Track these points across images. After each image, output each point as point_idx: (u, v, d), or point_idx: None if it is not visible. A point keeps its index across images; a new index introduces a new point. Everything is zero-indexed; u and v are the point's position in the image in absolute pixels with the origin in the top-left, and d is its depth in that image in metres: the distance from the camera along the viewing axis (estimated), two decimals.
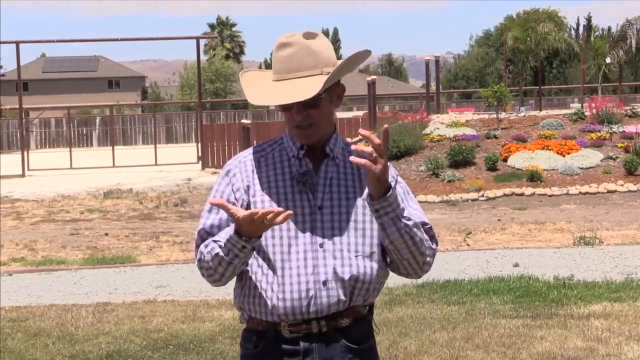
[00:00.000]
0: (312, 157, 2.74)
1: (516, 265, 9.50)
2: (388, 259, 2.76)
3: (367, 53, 2.78)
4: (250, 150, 2.83)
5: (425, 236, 2.71)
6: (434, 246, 2.76)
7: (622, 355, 6.08)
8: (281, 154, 2.77)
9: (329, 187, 2.71)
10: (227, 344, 6.61)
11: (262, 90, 2.74)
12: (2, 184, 23.35)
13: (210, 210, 2.74)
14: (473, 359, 6.10)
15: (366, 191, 2.67)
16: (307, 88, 2.63)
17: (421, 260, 2.71)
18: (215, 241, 2.65)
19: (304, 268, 2.67)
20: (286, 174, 2.72)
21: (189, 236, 12.80)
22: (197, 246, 2.74)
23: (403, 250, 2.66)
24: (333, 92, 2.74)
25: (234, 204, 2.68)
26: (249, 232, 2.57)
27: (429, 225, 2.76)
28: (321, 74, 2.67)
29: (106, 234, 13.55)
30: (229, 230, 2.62)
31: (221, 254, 2.62)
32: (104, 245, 12.43)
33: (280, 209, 2.54)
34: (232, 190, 2.74)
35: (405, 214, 2.64)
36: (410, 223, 2.64)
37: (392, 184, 2.63)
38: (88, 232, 14.00)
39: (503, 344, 6.38)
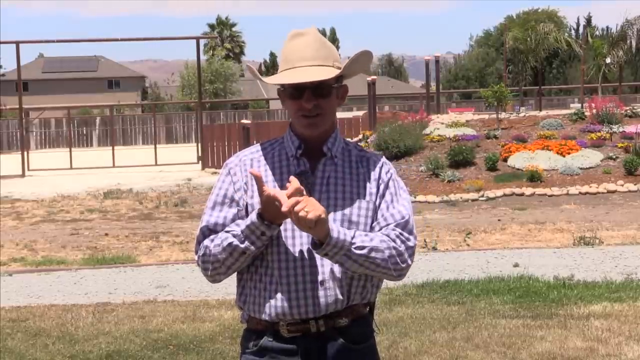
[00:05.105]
0: (310, 157, 2.74)
1: (516, 265, 9.50)
2: None
3: (368, 53, 2.78)
4: (251, 148, 2.83)
5: (392, 250, 2.64)
6: (410, 243, 2.68)
7: (622, 355, 6.08)
8: (280, 153, 2.77)
9: (326, 187, 2.71)
10: (227, 344, 6.61)
11: (277, 76, 2.76)
12: (2, 184, 23.35)
13: (213, 208, 2.73)
14: (473, 359, 6.10)
15: (369, 189, 2.71)
16: (324, 73, 2.67)
17: (393, 268, 2.66)
18: (227, 231, 2.64)
19: (301, 268, 2.67)
20: (284, 173, 2.71)
21: (189, 236, 12.80)
22: (199, 242, 2.72)
23: (370, 272, 2.66)
24: (339, 89, 2.76)
25: (237, 202, 2.69)
26: (275, 213, 2.55)
27: (405, 219, 2.69)
28: (332, 66, 2.71)
29: (106, 234, 13.55)
30: (250, 217, 2.60)
31: (235, 242, 2.60)
32: (104, 245, 12.43)
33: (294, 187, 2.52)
34: (234, 189, 2.73)
35: (359, 243, 2.59)
36: (364, 252, 2.60)
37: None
38: (88, 232, 14.00)
39: (503, 344, 6.38)
